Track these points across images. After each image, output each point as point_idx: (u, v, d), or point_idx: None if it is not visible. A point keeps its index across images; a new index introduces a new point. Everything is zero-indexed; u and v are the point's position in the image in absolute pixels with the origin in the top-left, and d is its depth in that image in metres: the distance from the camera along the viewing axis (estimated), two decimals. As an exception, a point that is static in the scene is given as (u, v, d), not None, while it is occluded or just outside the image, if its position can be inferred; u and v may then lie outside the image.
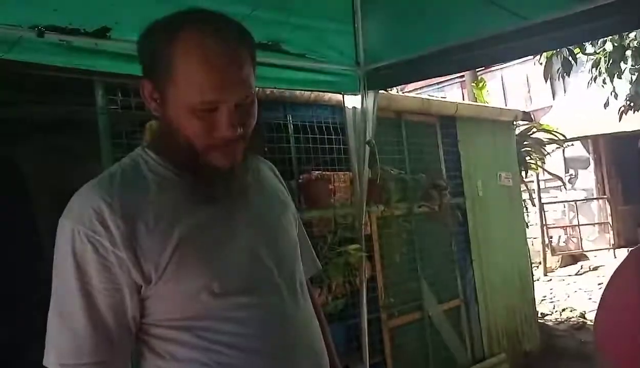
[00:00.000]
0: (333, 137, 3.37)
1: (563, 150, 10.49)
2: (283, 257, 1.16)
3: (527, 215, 6.35)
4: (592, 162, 11.44)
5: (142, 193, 1.03)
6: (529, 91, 12.50)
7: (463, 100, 9.83)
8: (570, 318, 6.23)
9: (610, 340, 0.78)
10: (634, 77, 6.05)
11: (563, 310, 6.62)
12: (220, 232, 1.07)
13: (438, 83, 13.26)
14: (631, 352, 0.73)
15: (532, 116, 6.48)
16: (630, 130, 8.93)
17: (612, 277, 0.81)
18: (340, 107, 3.04)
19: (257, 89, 1.10)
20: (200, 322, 1.03)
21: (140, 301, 1.02)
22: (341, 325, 3.38)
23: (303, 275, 1.23)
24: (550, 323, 6.13)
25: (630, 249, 0.82)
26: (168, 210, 1.03)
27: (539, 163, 6.73)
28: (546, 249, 9.49)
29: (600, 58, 6.29)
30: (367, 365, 3.06)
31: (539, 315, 5.87)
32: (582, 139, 10.65)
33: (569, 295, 7.46)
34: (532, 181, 8.78)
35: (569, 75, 6.15)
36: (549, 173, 7.73)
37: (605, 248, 10.03)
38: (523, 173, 6.17)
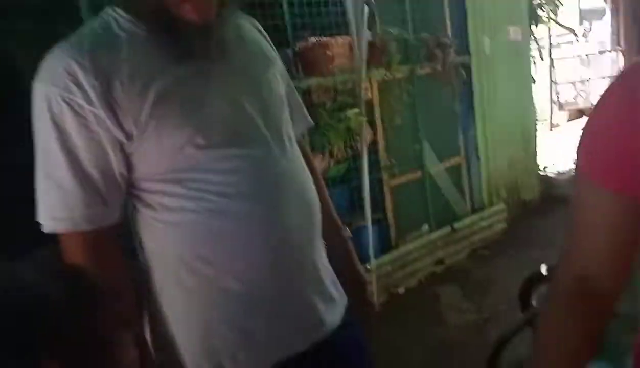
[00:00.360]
0: (330, -1, 3.24)
1: (579, 1, 10.00)
2: (268, 108, 1.15)
3: (536, 71, 6.21)
4: (609, 11, 10.91)
5: (114, 52, 1.01)
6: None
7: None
8: (572, 169, 6.29)
9: (590, 158, 0.77)
10: None
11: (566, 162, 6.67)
12: (200, 86, 1.06)
13: None
14: (611, 163, 0.73)
15: (547, -35, 6.13)
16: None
17: (600, 98, 0.77)
18: (336, -33, 2.91)
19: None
20: (188, 174, 1.05)
21: (125, 158, 1.04)
22: (344, 187, 3.51)
23: (291, 129, 1.23)
24: (552, 174, 6.21)
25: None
26: (143, 67, 1.02)
27: (552, 15, 6.47)
28: (553, 105, 9.39)
29: None
30: (369, 221, 3.23)
31: (542, 168, 5.94)
32: (600, -13, 10.10)
33: (573, 148, 7.48)
34: (544, 38, 8.47)
35: None
36: (562, 25, 7.45)
37: (616, 101, 9.89)
38: (533, 27, 5.95)
